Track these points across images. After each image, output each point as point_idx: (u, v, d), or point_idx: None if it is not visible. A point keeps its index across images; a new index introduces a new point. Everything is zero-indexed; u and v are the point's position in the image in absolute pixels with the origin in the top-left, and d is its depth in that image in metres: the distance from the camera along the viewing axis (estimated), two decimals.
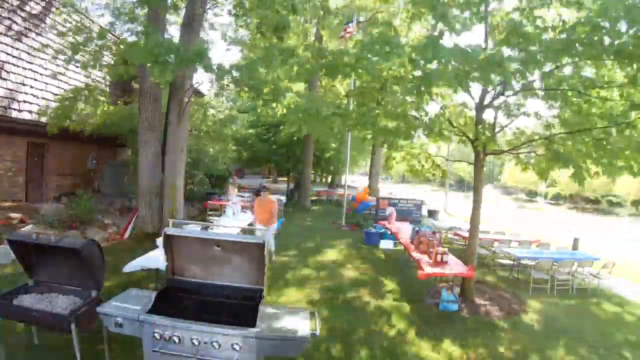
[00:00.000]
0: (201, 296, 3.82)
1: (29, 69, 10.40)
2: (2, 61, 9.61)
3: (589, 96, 5.98)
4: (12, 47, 9.97)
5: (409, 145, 8.25)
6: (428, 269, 6.27)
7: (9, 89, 9.69)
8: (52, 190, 12.40)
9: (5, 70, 9.66)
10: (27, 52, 10.35)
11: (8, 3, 9.97)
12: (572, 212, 34.03)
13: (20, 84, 10.09)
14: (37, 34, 10.80)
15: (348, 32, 13.63)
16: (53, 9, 11.70)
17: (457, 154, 32.69)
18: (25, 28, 10.45)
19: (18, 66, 10.09)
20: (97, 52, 9.89)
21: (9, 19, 10.02)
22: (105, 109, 12.59)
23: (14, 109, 9.77)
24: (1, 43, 9.65)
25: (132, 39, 11.16)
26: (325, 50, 6.31)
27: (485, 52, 5.03)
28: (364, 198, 17.79)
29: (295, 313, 3.58)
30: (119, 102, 13.90)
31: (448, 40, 5.63)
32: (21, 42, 10.28)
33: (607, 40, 4.47)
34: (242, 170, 35.64)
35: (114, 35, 12.03)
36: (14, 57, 9.98)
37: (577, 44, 4.63)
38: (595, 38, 4.44)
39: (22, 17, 10.44)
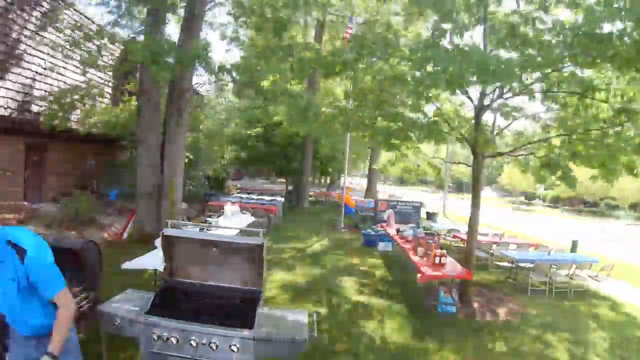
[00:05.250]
0: (199, 297, 3.82)
1: (28, 69, 10.39)
2: (3, 62, 9.60)
3: (590, 98, 6.01)
4: (12, 47, 9.97)
5: (405, 145, 8.27)
6: (427, 272, 6.27)
7: (11, 90, 9.70)
8: (51, 191, 12.38)
9: (7, 71, 9.67)
10: (27, 53, 10.34)
11: (6, 2, 9.96)
12: (569, 214, 34.09)
13: (20, 83, 10.08)
14: (37, 33, 10.79)
15: (347, 33, 13.69)
16: (55, 11, 11.69)
17: (456, 156, 32.73)
18: (25, 28, 10.44)
19: (18, 66, 10.08)
20: (96, 51, 9.90)
21: (11, 19, 10.02)
22: (105, 109, 12.59)
23: (13, 109, 9.77)
24: (2, 44, 9.65)
25: (131, 38, 11.17)
26: (324, 51, 6.33)
27: (483, 55, 5.05)
28: (347, 201, 17.73)
29: (293, 314, 3.58)
30: (121, 102, 13.90)
31: (449, 42, 5.64)
32: (21, 42, 10.28)
33: (602, 45, 4.49)
34: (240, 171, 35.64)
35: (112, 34, 12.03)
36: (14, 57, 9.98)
37: (575, 49, 4.65)
38: (590, 42, 4.46)
39: (23, 17, 10.43)
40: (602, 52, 4.52)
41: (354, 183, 42.76)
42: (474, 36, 6.24)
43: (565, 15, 5.69)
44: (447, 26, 5.49)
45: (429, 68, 5.27)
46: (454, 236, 11.38)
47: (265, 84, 7.56)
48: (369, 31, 14.95)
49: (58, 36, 10.97)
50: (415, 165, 8.41)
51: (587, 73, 5.97)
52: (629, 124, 5.54)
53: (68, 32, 10.23)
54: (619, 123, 5.46)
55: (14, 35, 10.16)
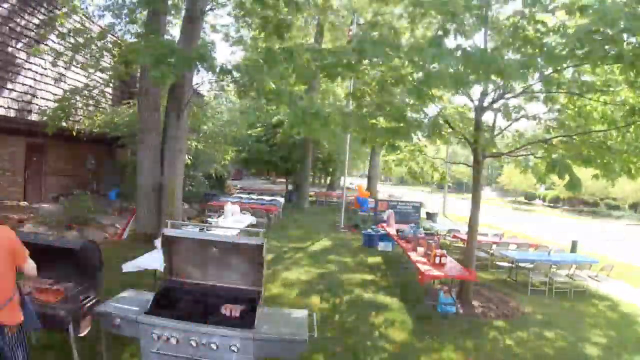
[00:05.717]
0: (199, 297, 3.82)
1: (29, 69, 10.39)
2: (3, 62, 9.60)
3: (589, 99, 6.01)
4: (12, 47, 9.96)
5: (408, 147, 8.27)
6: (427, 272, 6.27)
7: (13, 90, 9.71)
8: (50, 191, 12.38)
9: (8, 72, 9.68)
10: (27, 53, 10.34)
11: (9, 3, 9.97)
12: (569, 214, 34.06)
13: (20, 84, 10.09)
14: (37, 33, 10.79)
15: (349, 34, 13.69)
16: (55, 11, 11.69)
17: (456, 156, 32.71)
18: (25, 28, 10.44)
19: (18, 66, 10.08)
20: (97, 53, 9.90)
21: (11, 19, 10.01)
22: (105, 110, 12.61)
23: (15, 109, 9.78)
24: (2, 44, 9.65)
25: (132, 40, 11.18)
26: (325, 51, 6.31)
27: (485, 54, 5.04)
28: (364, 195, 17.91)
29: (293, 315, 3.58)
30: (122, 102, 13.91)
31: (451, 42, 5.65)
32: (21, 42, 10.28)
33: (608, 46, 4.48)
34: (240, 171, 35.64)
35: (114, 36, 12.04)
36: (15, 57, 9.98)
37: (577, 50, 4.64)
38: (596, 43, 4.45)
39: (23, 18, 10.43)
40: (607, 52, 4.51)
41: (354, 183, 42.74)
42: (476, 38, 6.25)
43: (570, 18, 5.68)
44: (450, 26, 5.48)
45: (432, 67, 5.27)
46: (454, 236, 11.37)
47: (266, 86, 7.55)
48: (369, 31, 14.94)
49: (60, 38, 10.97)
50: (420, 167, 8.41)
51: (588, 76, 5.98)
52: (632, 127, 5.53)
53: (70, 34, 10.22)
54: (633, 122, 5.43)
55: (17, 37, 10.15)
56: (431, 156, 9.22)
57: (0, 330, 2.47)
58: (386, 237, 10.66)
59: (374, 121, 6.85)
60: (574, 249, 11.15)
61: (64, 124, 10.40)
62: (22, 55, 10.25)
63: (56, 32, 10.70)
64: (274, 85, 6.88)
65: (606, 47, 4.44)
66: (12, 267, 2.61)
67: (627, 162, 5.82)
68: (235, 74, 7.35)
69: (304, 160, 20.16)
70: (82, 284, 3.80)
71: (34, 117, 10.31)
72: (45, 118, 10.13)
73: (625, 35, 4.43)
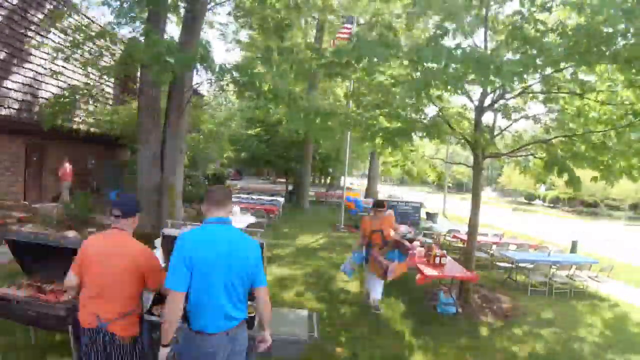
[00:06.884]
0: None
1: (29, 69, 10.38)
2: (5, 62, 9.60)
3: (588, 99, 6.01)
4: (12, 46, 9.96)
5: (407, 147, 8.26)
6: (427, 272, 6.27)
7: (13, 90, 9.70)
8: (50, 190, 12.38)
9: (9, 72, 9.67)
10: (28, 53, 10.33)
11: (10, 4, 9.97)
12: (569, 215, 34.05)
13: (20, 83, 10.08)
14: (37, 32, 10.79)
15: (346, 33, 13.60)
16: (55, 10, 11.69)
17: (456, 156, 32.72)
18: (25, 27, 10.44)
19: (18, 65, 10.08)
20: (96, 52, 9.90)
21: (10, 17, 10.01)
22: (105, 109, 12.60)
23: (15, 109, 9.77)
24: (3, 44, 9.65)
25: (132, 38, 11.16)
26: (325, 51, 6.31)
27: (484, 54, 5.04)
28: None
29: (294, 314, 3.58)
30: (122, 101, 13.90)
31: (450, 42, 5.63)
32: (21, 41, 10.28)
33: (603, 46, 4.49)
34: (240, 172, 35.64)
35: (114, 35, 12.03)
36: (14, 56, 9.97)
37: (576, 51, 4.64)
38: (592, 43, 4.45)
39: (21, 16, 10.43)
40: (603, 52, 4.52)
41: (355, 183, 42.78)
42: (475, 38, 6.23)
43: (567, 16, 5.68)
44: (449, 26, 5.47)
45: (431, 67, 5.26)
46: (454, 236, 11.38)
47: (265, 86, 7.55)
48: (368, 31, 14.95)
49: (60, 37, 10.96)
50: (417, 167, 8.41)
51: (587, 76, 5.99)
52: (634, 127, 5.53)
53: (70, 32, 10.22)
54: (632, 123, 5.44)
55: (17, 35, 10.15)
56: (429, 156, 9.24)
57: (112, 337, 2.65)
58: None
59: (373, 122, 6.85)
60: (573, 249, 11.16)
61: (61, 122, 10.37)
62: (24, 55, 10.24)
63: (57, 30, 10.68)
64: (272, 85, 6.89)
65: (602, 47, 4.44)
66: (138, 284, 2.73)
67: (627, 163, 5.81)
68: (235, 74, 7.35)
69: (304, 160, 20.14)
70: None
71: (34, 117, 10.30)
72: (42, 117, 10.11)
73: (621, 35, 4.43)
